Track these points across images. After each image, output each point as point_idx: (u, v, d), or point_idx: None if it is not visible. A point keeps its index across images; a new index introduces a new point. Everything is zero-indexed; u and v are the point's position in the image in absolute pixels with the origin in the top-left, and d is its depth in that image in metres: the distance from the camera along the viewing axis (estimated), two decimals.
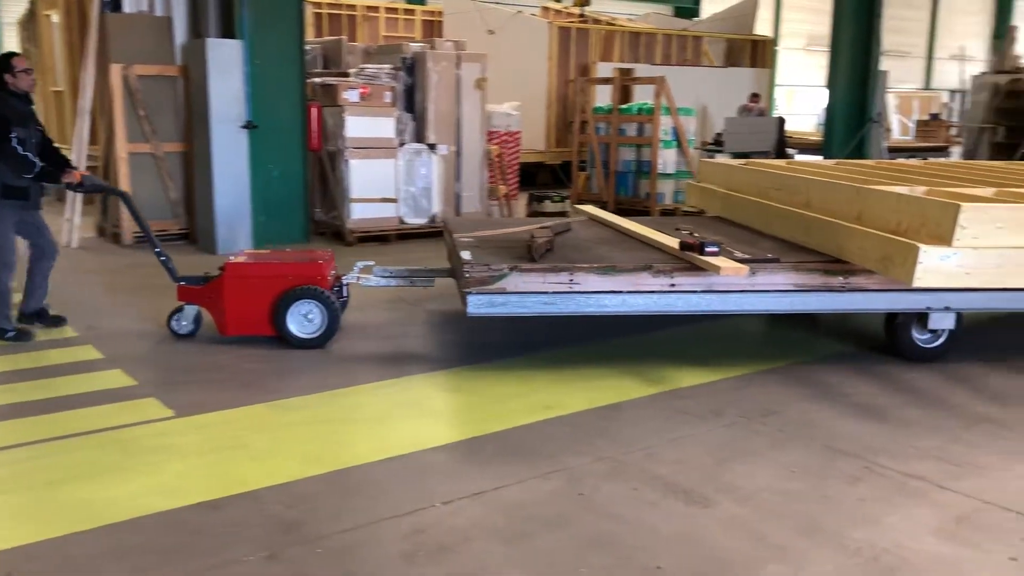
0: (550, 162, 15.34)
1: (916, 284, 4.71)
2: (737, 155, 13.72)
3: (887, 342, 5.63)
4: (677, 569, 3.06)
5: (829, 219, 5.50)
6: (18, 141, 5.42)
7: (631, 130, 11.92)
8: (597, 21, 16.78)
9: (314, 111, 9.16)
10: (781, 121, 14.59)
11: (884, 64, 13.40)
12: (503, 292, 4.92)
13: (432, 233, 9.75)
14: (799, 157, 14.20)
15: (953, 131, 21.74)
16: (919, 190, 5.55)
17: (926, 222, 4.88)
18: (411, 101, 9.75)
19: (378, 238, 9.40)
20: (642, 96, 12.75)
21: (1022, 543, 3.27)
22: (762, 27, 22.86)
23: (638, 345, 5.79)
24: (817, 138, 15.78)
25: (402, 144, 9.51)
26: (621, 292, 5.01)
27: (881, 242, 4.97)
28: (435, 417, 4.52)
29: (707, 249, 5.07)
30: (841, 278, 5.19)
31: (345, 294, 6.08)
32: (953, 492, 3.69)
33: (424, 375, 5.12)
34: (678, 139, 11.77)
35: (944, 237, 4.74)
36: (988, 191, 5.65)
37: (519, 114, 12.42)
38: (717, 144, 14.73)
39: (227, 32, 8.70)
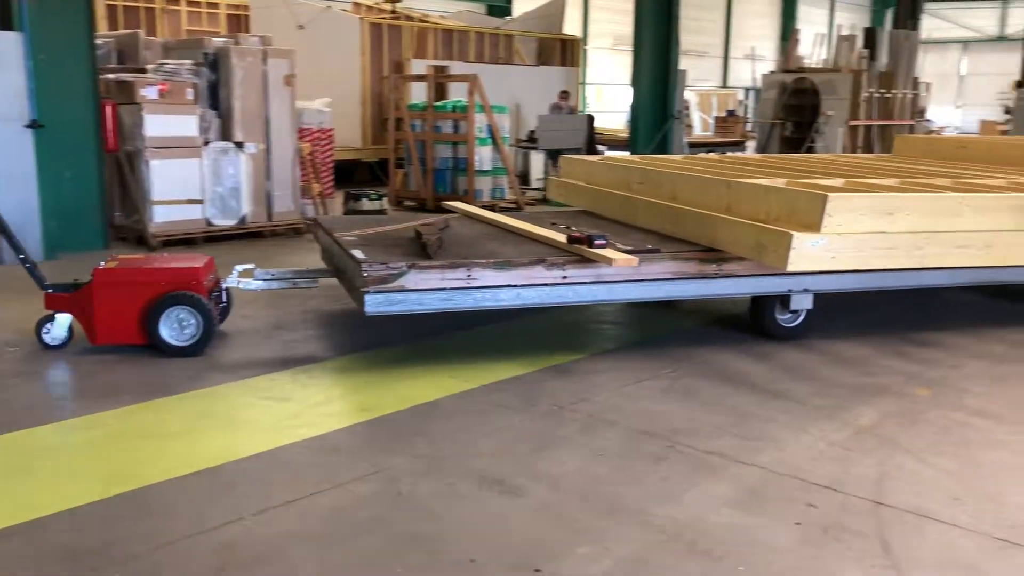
0: (367, 160, 15.17)
1: (790, 268, 5.08)
2: (550, 152, 14.10)
3: (751, 323, 6.03)
4: (490, 560, 3.11)
5: (701, 211, 5.79)
6: None
7: (447, 127, 11.99)
8: (409, 18, 16.73)
9: (108, 109, 8.62)
10: (590, 119, 15.11)
11: (684, 63, 14.16)
12: (402, 290, 4.89)
13: (243, 235, 9.42)
14: (608, 153, 14.75)
15: (748, 126, 23.29)
16: (779, 182, 5.96)
17: (795, 211, 5.25)
18: (216, 98, 9.35)
19: (184, 241, 8.97)
20: (457, 93, 12.84)
21: (807, 508, 3.55)
22: (571, 27, 23.58)
23: (463, 341, 5.82)
24: (625, 135, 16.43)
25: (207, 143, 9.11)
26: (516, 286, 5.12)
27: (754, 231, 5.28)
28: (246, 426, 4.36)
29: (596, 242, 5.28)
30: (715, 266, 5.53)
31: (225, 299, 5.86)
32: (748, 465, 3.95)
33: (238, 382, 4.93)
34: (493, 136, 11.94)
35: (812, 225, 5.12)
36: (838, 182, 6.14)
37: (331, 111, 12.21)
38: (531, 141, 15.06)
39: (4, 23, 8.03)
